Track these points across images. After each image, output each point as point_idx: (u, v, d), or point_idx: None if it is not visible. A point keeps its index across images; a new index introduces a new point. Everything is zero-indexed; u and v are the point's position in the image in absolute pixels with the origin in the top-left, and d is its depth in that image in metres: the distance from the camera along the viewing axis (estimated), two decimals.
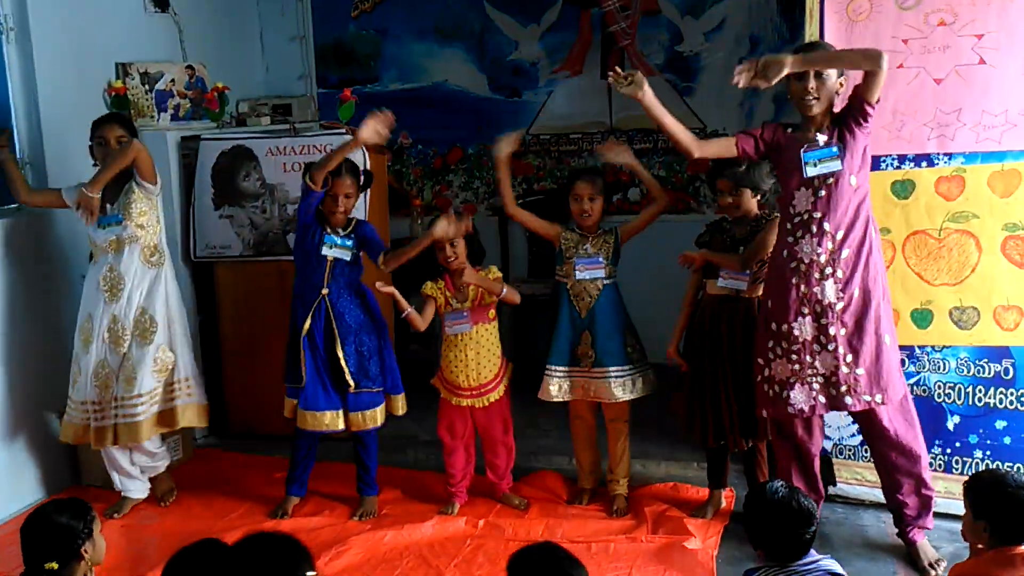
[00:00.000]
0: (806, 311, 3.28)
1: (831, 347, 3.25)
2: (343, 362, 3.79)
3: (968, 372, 3.61)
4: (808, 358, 3.29)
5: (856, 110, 3.21)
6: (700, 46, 5.59)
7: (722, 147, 3.42)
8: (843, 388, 3.25)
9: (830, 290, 3.24)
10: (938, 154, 3.57)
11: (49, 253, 4.31)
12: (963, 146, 3.54)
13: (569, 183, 3.86)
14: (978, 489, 2.66)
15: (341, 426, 3.84)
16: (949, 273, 3.60)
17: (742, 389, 3.56)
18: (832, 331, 3.25)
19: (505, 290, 3.79)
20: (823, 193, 3.23)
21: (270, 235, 4.58)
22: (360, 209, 4.40)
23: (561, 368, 3.82)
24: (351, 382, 3.80)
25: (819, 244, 3.24)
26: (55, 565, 2.46)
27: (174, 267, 4.10)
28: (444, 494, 3.98)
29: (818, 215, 3.24)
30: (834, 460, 3.85)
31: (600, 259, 3.78)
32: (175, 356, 3.97)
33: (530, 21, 5.82)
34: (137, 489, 4.06)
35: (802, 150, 3.24)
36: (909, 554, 3.42)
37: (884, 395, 3.25)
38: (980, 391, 3.60)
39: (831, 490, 3.83)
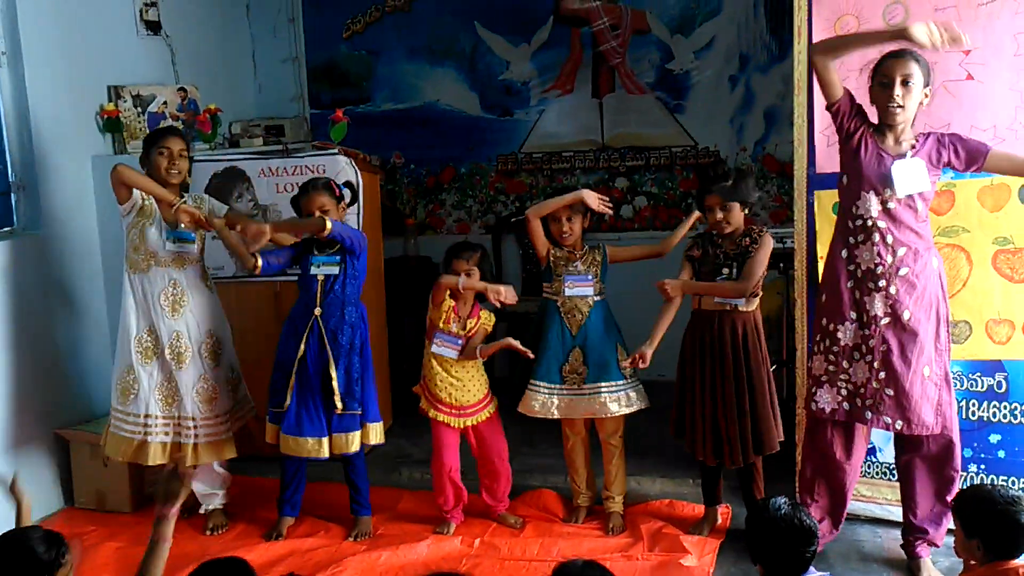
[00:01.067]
0: (853, 316, 3.26)
1: (868, 359, 3.23)
2: (335, 383, 3.78)
3: (961, 386, 3.60)
4: (844, 363, 3.27)
5: (963, 158, 3.18)
6: (690, 64, 5.63)
7: (834, 79, 3.23)
8: (868, 402, 3.24)
9: (879, 303, 3.21)
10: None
11: (47, 274, 4.31)
12: None
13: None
14: (968, 507, 2.65)
15: (325, 453, 3.81)
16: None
17: (741, 405, 3.55)
18: (872, 343, 3.22)
19: (479, 345, 3.81)
20: (892, 206, 3.18)
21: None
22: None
23: (546, 385, 3.81)
24: (339, 404, 3.79)
25: (879, 255, 3.19)
26: None
27: None
28: (439, 514, 3.96)
29: (883, 225, 3.19)
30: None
31: (589, 277, 3.79)
32: (238, 377, 4.06)
33: (521, 40, 5.84)
34: (218, 498, 4.08)
35: (895, 162, 3.15)
36: (910, 568, 3.41)
37: (907, 425, 3.21)
38: (973, 405, 3.60)
39: None
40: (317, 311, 3.79)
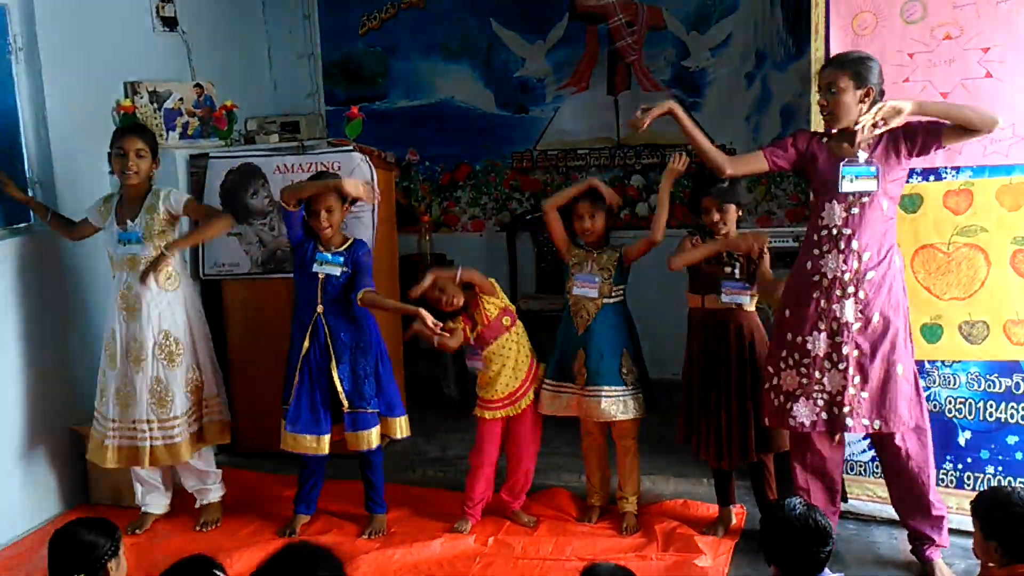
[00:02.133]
0: (822, 327, 3.26)
1: (841, 366, 3.24)
2: (337, 382, 3.78)
3: (979, 387, 3.59)
4: (817, 374, 3.28)
5: (918, 143, 3.17)
6: (706, 61, 5.60)
7: (753, 163, 3.39)
8: (846, 409, 3.24)
9: (849, 310, 3.22)
10: (946, 168, 3.56)
11: (62, 271, 4.32)
12: (970, 160, 3.53)
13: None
14: (985, 509, 2.65)
15: (324, 451, 3.82)
16: (958, 287, 3.58)
17: (745, 405, 3.54)
18: (845, 350, 3.23)
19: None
20: (856, 211, 3.21)
21: (278, 252, 4.59)
22: (368, 226, 4.41)
23: (555, 383, 3.84)
24: (344, 401, 3.79)
25: (845, 262, 3.21)
26: None
27: (191, 286, 4.10)
28: (453, 511, 3.96)
29: (848, 232, 3.21)
30: (845, 476, 3.83)
31: (596, 279, 3.76)
32: (201, 375, 4.00)
33: (536, 37, 5.83)
34: (157, 504, 4.07)
35: (842, 164, 3.20)
36: (924, 573, 3.39)
37: (885, 423, 3.24)
38: (991, 406, 3.58)
39: (842, 507, 3.80)
40: (319, 308, 3.80)
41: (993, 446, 3.57)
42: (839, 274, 3.23)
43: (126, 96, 4.70)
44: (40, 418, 4.17)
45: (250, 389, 4.64)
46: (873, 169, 3.18)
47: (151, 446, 3.86)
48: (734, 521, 3.80)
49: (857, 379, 3.23)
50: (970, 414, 3.61)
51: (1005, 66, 3.45)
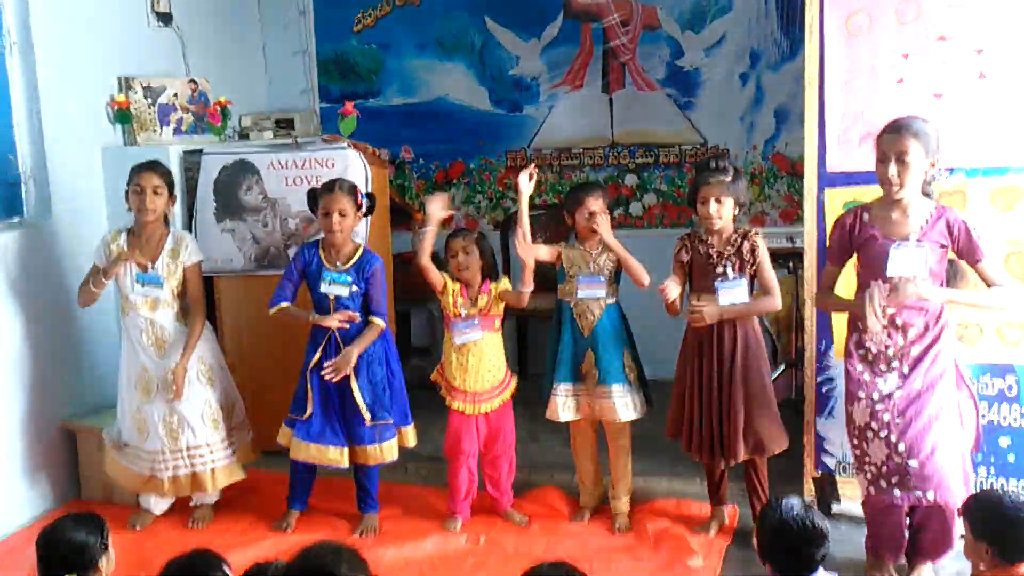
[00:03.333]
0: (862, 396, 3.20)
1: (883, 434, 3.16)
2: (357, 395, 3.77)
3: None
4: (865, 445, 3.22)
5: (960, 250, 3.14)
6: (700, 61, 5.60)
7: (831, 287, 3.35)
8: (894, 479, 3.16)
9: (892, 382, 3.16)
10: (939, 169, 3.56)
11: (55, 265, 4.31)
12: (964, 161, 3.53)
13: (575, 198, 3.80)
14: (976, 511, 2.66)
15: (345, 463, 3.82)
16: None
17: (735, 404, 3.52)
18: (887, 418, 3.15)
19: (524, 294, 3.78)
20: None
21: (272, 249, 4.57)
22: (362, 223, 4.39)
23: (566, 386, 3.80)
24: (367, 415, 3.78)
25: (889, 337, 3.16)
26: None
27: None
28: (445, 510, 3.96)
29: (892, 310, 3.13)
30: (837, 478, 3.84)
31: (601, 278, 3.75)
32: (233, 402, 4.06)
33: (531, 35, 5.82)
34: (159, 505, 4.07)
35: (892, 247, 3.10)
36: (908, 572, 3.38)
37: (937, 493, 3.12)
38: (984, 408, 3.56)
39: (834, 508, 3.82)
40: (333, 325, 3.77)
41: (986, 447, 3.56)
42: (883, 349, 3.17)
43: (120, 91, 4.68)
44: (32, 414, 4.16)
45: (243, 386, 4.60)
46: (921, 253, 3.09)
47: (212, 469, 3.91)
48: (727, 521, 3.81)
49: (901, 447, 3.13)
50: (960, 410, 3.59)
51: (998, 67, 3.46)
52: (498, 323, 3.87)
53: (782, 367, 4.68)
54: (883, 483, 3.18)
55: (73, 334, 4.38)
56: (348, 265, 3.80)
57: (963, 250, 3.14)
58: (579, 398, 3.80)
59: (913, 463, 3.13)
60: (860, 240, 3.21)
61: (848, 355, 3.29)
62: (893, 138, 3.07)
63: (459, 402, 3.84)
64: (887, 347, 3.16)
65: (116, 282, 3.90)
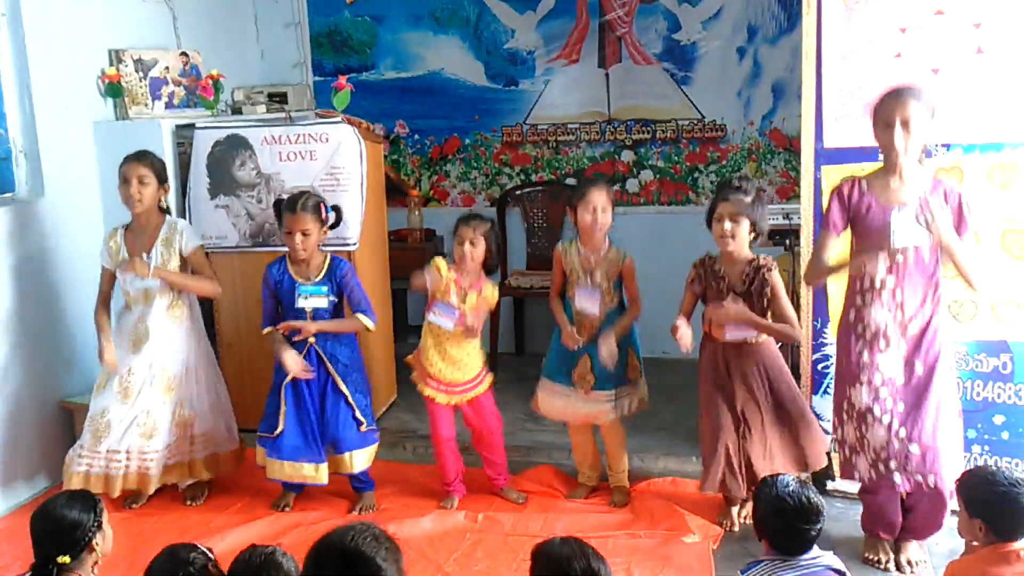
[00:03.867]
0: (864, 379, 3.19)
1: (885, 420, 3.16)
2: (351, 400, 3.74)
3: (966, 366, 3.59)
4: (864, 428, 3.20)
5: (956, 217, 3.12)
6: (697, 34, 5.55)
7: (823, 254, 3.27)
8: (892, 464, 3.16)
9: (891, 362, 3.15)
10: (936, 145, 3.53)
11: (47, 242, 4.27)
12: (961, 137, 3.52)
13: (579, 192, 3.68)
14: (971, 488, 2.66)
15: (323, 480, 3.77)
16: (947, 266, 3.56)
17: (756, 438, 3.48)
18: (888, 404, 3.15)
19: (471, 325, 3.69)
20: (901, 259, 3.12)
21: (266, 225, 4.54)
22: (357, 200, 4.37)
23: (555, 385, 3.78)
24: (362, 419, 3.76)
25: (888, 312, 3.14)
26: (68, 559, 2.45)
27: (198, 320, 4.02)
28: (441, 489, 3.97)
29: (891, 283, 3.12)
30: (832, 455, 3.84)
31: (597, 293, 3.64)
32: (195, 413, 3.92)
33: (526, 8, 5.76)
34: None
35: (892, 212, 3.08)
36: (896, 548, 3.40)
37: (937, 477, 3.14)
38: (978, 385, 3.59)
39: (829, 485, 3.83)
40: (311, 339, 3.74)
41: (980, 425, 3.59)
42: (882, 326, 3.15)
43: (111, 64, 4.63)
44: (28, 393, 4.14)
45: (238, 364, 4.61)
46: (922, 220, 3.06)
47: (125, 474, 3.79)
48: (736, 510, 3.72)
49: (903, 432, 3.14)
50: (957, 393, 3.61)
51: (996, 42, 3.44)
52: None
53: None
54: (882, 467, 3.19)
55: (68, 312, 4.35)
56: (320, 276, 3.76)
57: (952, 221, 3.13)
58: (566, 399, 3.76)
59: (914, 448, 3.14)
60: (858, 209, 3.19)
61: (845, 335, 3.28)
62: (897, 104, 3.05)
63: (431, 390, 3.80)
64: (886, 324, 3.16)
65: (121, 283, 3.86)
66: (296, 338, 3.74)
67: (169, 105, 4.90)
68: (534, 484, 4.06)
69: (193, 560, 2.27)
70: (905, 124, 3.04)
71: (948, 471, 3.14)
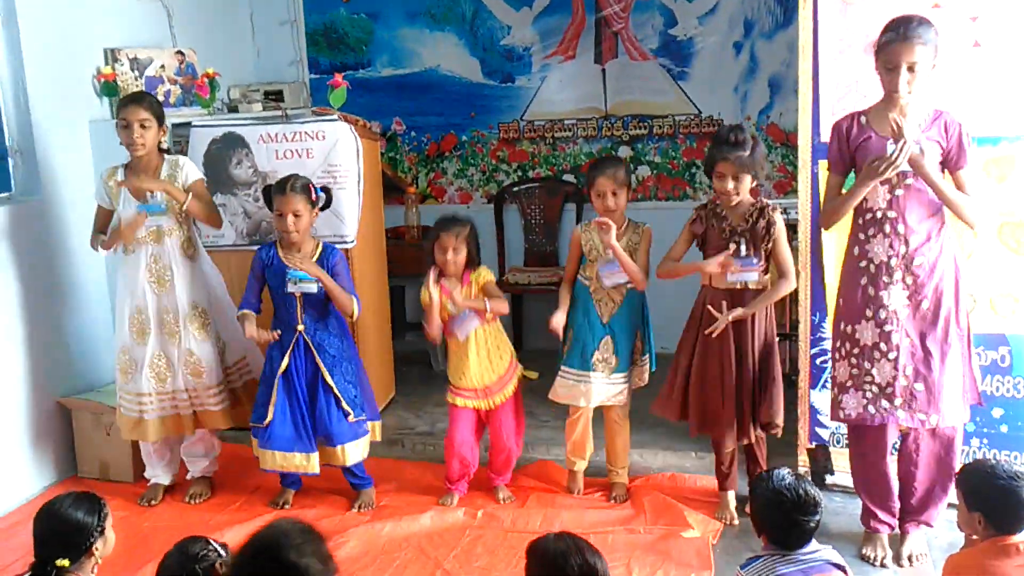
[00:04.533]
0: (869, 314, 3.17)
1: (892, 356, 3.14)
2: (337, 392, 3.73)
3: None
4: (867, 364, 3.19)
5: (949, 151, 3.11)
6: (694, 30, 5.55)
7: (835, 193, 3.25)
8: (898, 401, 3.16)
9: (897, 296, 3.14)
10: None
11: (47, 240, 4.26)
12: None
13: (589, 176, 3.71)
14: (970, 481, 2.66)
15: (313, 469, 3.76)
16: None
17: (749, 387, 3.50)
18: (895, 339, 3.14)
19: (489, 309, 3.66)
20: (900, 192, 3.11)
21: (264, 223, 4.53)
22: (354, 198, 4.37)
23: (575, 372, 3.75)
24: (349, 410, 3.75)
25: (891, 246, 3.12)
26: (67, 563, 2.42)
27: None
28: (443, 486, 3.96)
29: (892, 215, 3.12)
30: (831, 449, 3.85)
31: (616, 264, 3.62)
32: (224, 344, 4.01)
33: (522, 5, 5.75)
34: (166, 474, 4.07)
35: (889, 141, 3.05)
36: (898, 540, 3.39)
37: (940, 416, 3.14)
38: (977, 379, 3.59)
39: (828, 479, 3.84)
40: (300, 327, 3.73)
41: (979, 419, 3.58)
42: (885, 259, 3.13)
43: (106, 63, 4.61)
44: (26, 391, 4.14)
45: None
46: (919, 146, 3.05)
47: (193, 411, 3.88)
48: (733, 507, 3.73)
49: (909, 369, 3.14)
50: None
51: (993, 35, 3.43)
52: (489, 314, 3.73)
53: (777, 338, 4.68)
54: (885, 403, 3.18)
55: (65, 309, 4.35)
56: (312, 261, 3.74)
57: (951, 153, 3.12)
58: (589, 384, 3.72)
59: (919, 386, 3.14)
60: (857, 142, 3.18)
61: (849, 272, 3.25)
62: (904, 49, 3.01)
63: (472, 401, 3.78)
64: (889, 257, 3.13)
65: (118, 219, 3.83)
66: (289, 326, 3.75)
67: (165, 103, 4.87)
68: (534, 480, 4.06)
69: (204, 556, 2.26)
70: (911, 68, 3.03)
71: (951, 413, 3.14)
